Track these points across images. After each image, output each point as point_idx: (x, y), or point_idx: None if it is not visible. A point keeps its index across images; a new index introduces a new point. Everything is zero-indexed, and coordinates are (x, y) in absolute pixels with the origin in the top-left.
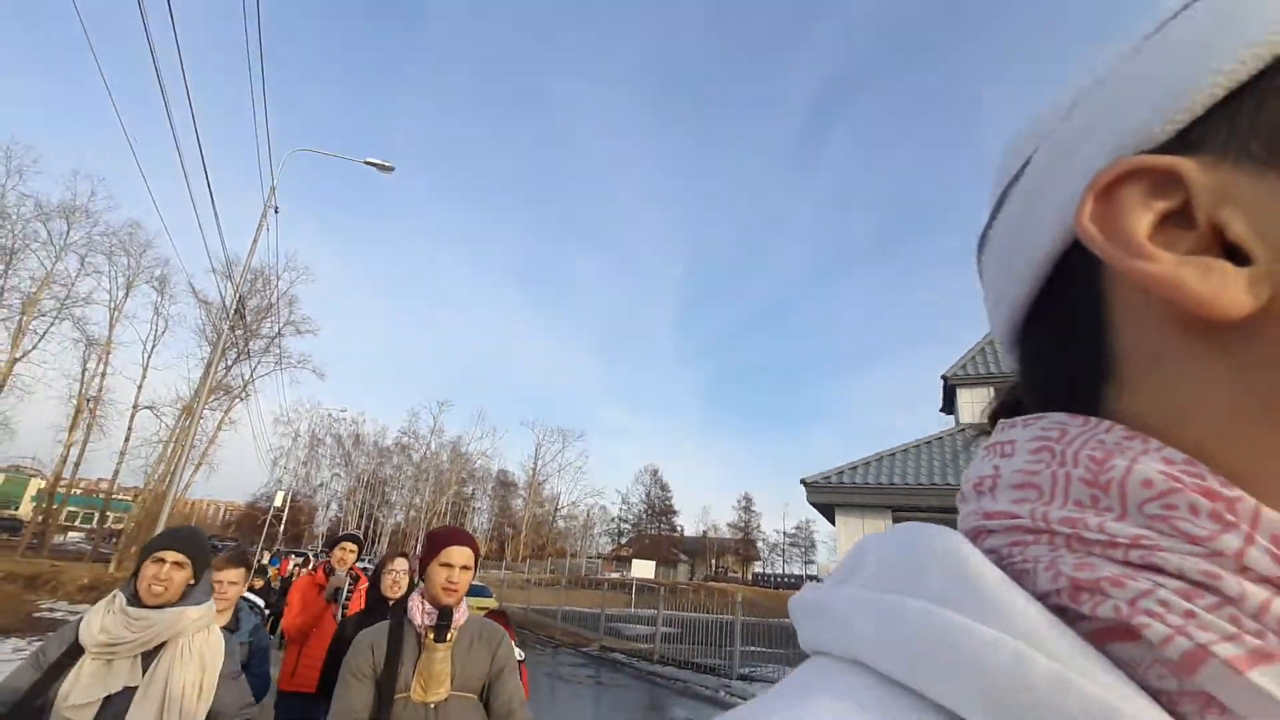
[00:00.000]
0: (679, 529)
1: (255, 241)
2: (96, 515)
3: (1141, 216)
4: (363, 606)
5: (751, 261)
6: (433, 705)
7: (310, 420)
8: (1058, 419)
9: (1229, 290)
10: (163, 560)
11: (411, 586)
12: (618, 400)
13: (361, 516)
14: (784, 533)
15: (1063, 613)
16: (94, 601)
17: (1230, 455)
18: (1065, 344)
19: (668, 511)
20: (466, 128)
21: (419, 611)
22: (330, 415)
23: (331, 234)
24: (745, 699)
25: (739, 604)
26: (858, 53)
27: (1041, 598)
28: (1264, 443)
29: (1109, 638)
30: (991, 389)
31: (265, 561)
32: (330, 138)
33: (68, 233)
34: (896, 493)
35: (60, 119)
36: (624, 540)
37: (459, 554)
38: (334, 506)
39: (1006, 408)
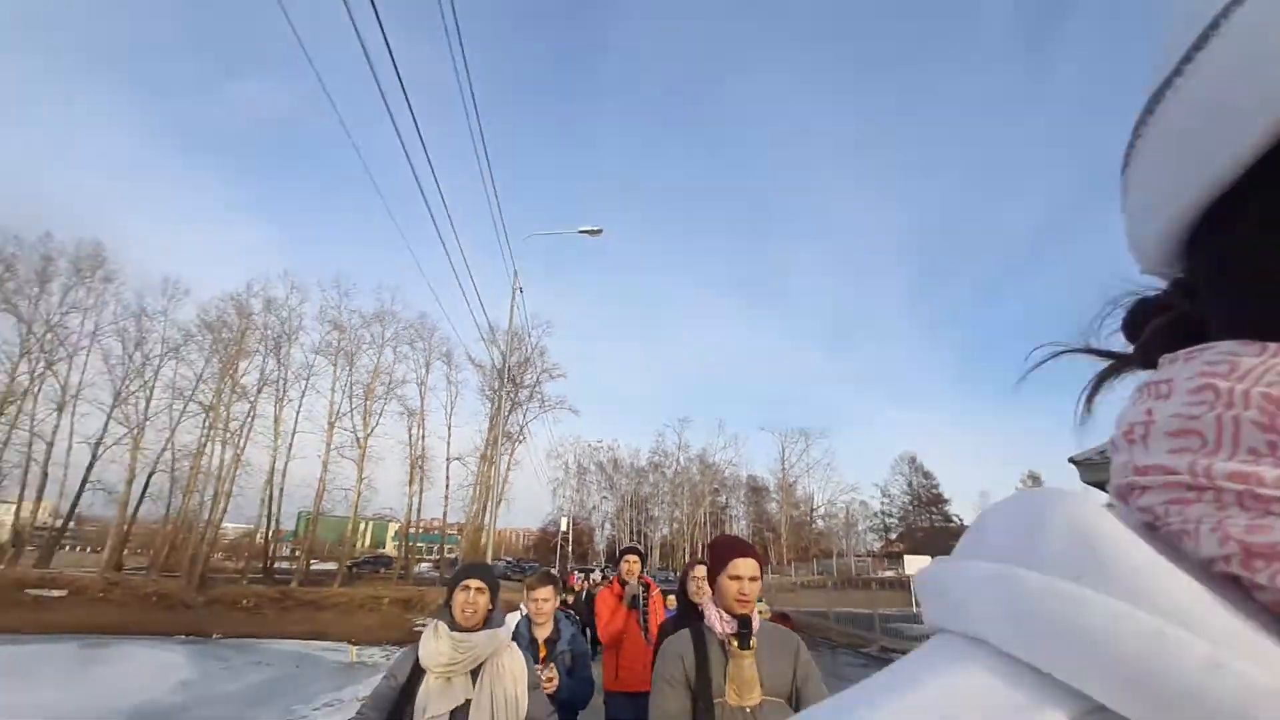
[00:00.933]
0: (954, 518)
1: (510, 318)
2: (436, 548)
3: None
4: (659, 608)
5: (990, 197)
6: (749, 709)
7: (575, 452)
8: (1227, 349)
9: None
10: (469, 588)
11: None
12: (860, 390)
13: (631, 533)
14: None
15: (1235, 582)
16: None
17: None
18: (1269, 243)
19: (937, 500)
20: (659, 148)
21: (718, 620)
22: (590, 446)
23: (566, 286)
24: None
25: None
26: None
27: (1206, 565)
28: None
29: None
30: None
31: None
32: (549, 205)
33: (383, 333)
34: None
35: (349, 247)
36: (894, 536)
37: (746, 565)
38: (607, 526)
39: (1164, 337)
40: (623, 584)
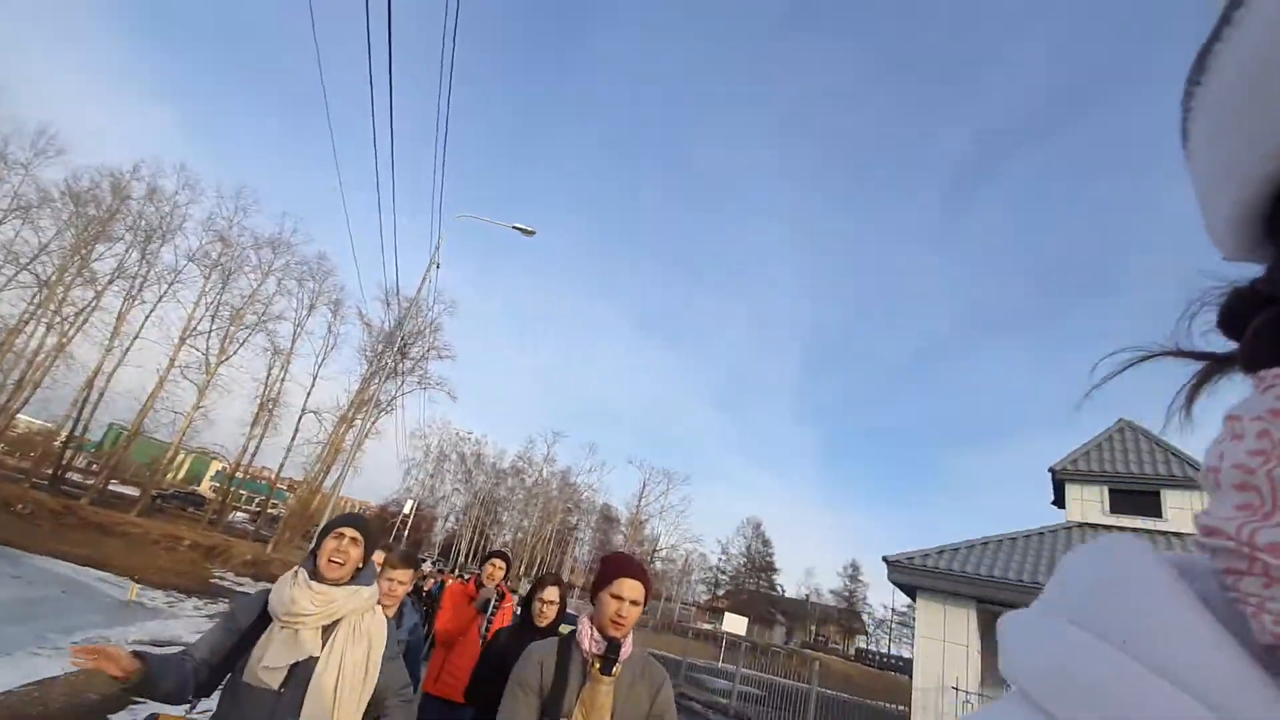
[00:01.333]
0: (779, 588)
1: (421, 285)
2: (257, 500)
3: None
4: (508, 622)
5: (881, 324)
6: None
7: (440, 437)
8: None
9: None
10: (342, 535)
11: (560, 616)
12: (728, 449)
13: (474, 532)
14: (893, 609)
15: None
16: (254, 576)
17: None
18: None
19: (768, 568)
20: (606, 176)
21: (588, 637)
22: (458, 434)
23: (478, 273)
24: None
25: (815, 672)
26: (1010, 114)
27: (1266, 649)
28: None
29: None
30: (1105, 488)
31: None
32: (485, 191)
33: (273, 260)
34: (985, 584)
35: (268, 166)
36: (721, 592)
37: (631, 588)
38: (451, 519)
39: (1272, 337)
40: (478, 586)
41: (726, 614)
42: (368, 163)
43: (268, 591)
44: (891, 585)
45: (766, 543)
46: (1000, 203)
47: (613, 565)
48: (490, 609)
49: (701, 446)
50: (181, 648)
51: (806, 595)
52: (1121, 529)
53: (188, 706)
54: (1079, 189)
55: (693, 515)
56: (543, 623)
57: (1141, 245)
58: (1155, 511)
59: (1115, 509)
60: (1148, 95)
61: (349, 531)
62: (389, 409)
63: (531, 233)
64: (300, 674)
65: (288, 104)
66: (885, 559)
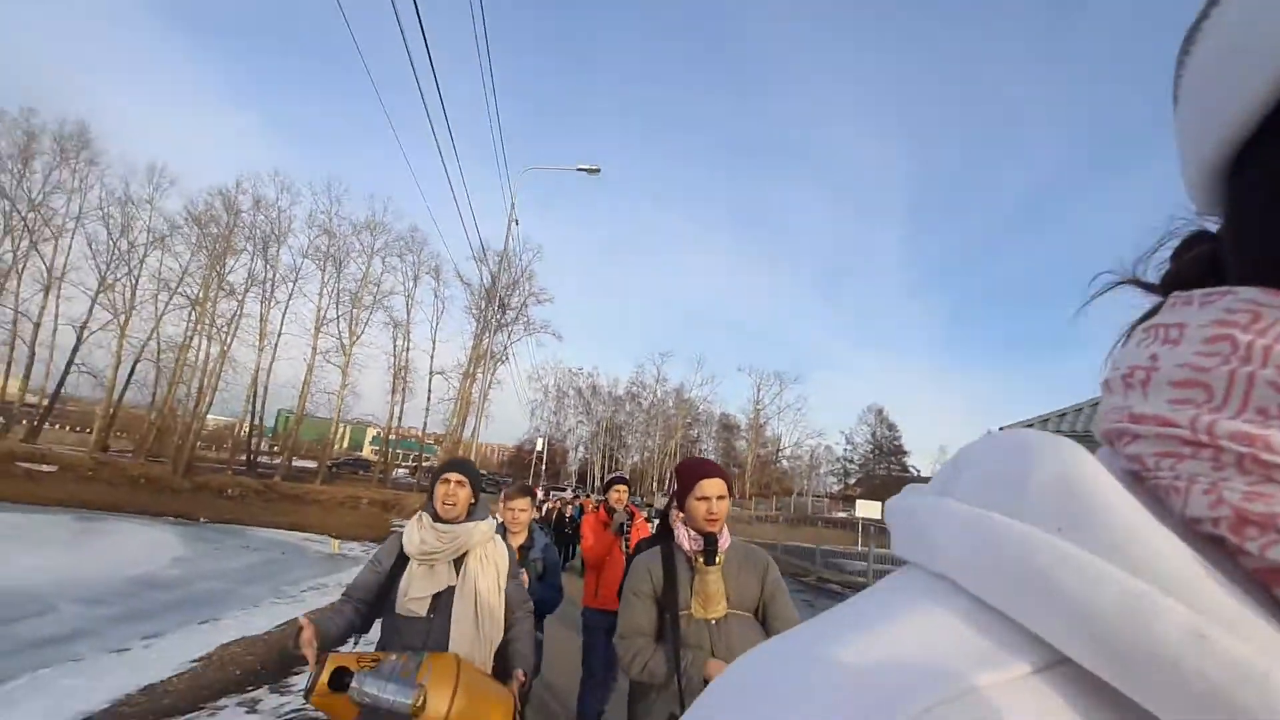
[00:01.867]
0: (912, 469)
1: (506, 241)
2: (413, 456)
3: None
4: (645, 535)
5: (988, 167)
6: (714, 621)
7: (555, 376)
8: (1249, 297)
9: None
10: (448, 480)
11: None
12: (841, 337)
13: (604, 457)
14: None
15: (1217, 546)
16: None
17: None
18: None
19: (897, 451)
20: (664, 73)
21: (686, 538)
22: (570, 371)
23: (560, 214)
24: None
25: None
26: None
27: (1190, 524)
28: None
29: (1277, 581)
30: None
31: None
32: (548, 134)
33: (373, 242)
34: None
35: (345, 151)
36: (852, 480)
37: (713, 485)
38: (580, 449)
39: (1192, 273)
40: (609, 511)
41: (859, 501)
42: (426, 126)
43: (400, 534)
44: None
45: (892, 427)
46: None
47: (689, 472)
48: (625, 529)
49: (811, 340)
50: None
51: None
52: None
53: (353, 642)
54: None
55: (812, 410)
56: (619, 505)
57: None
58: None
59: None
60: None
61: (454, 476)
62: (503, 359)
63: (596, 170)
64: (443, 601)
65: (338, 85)
66: (893, 451)
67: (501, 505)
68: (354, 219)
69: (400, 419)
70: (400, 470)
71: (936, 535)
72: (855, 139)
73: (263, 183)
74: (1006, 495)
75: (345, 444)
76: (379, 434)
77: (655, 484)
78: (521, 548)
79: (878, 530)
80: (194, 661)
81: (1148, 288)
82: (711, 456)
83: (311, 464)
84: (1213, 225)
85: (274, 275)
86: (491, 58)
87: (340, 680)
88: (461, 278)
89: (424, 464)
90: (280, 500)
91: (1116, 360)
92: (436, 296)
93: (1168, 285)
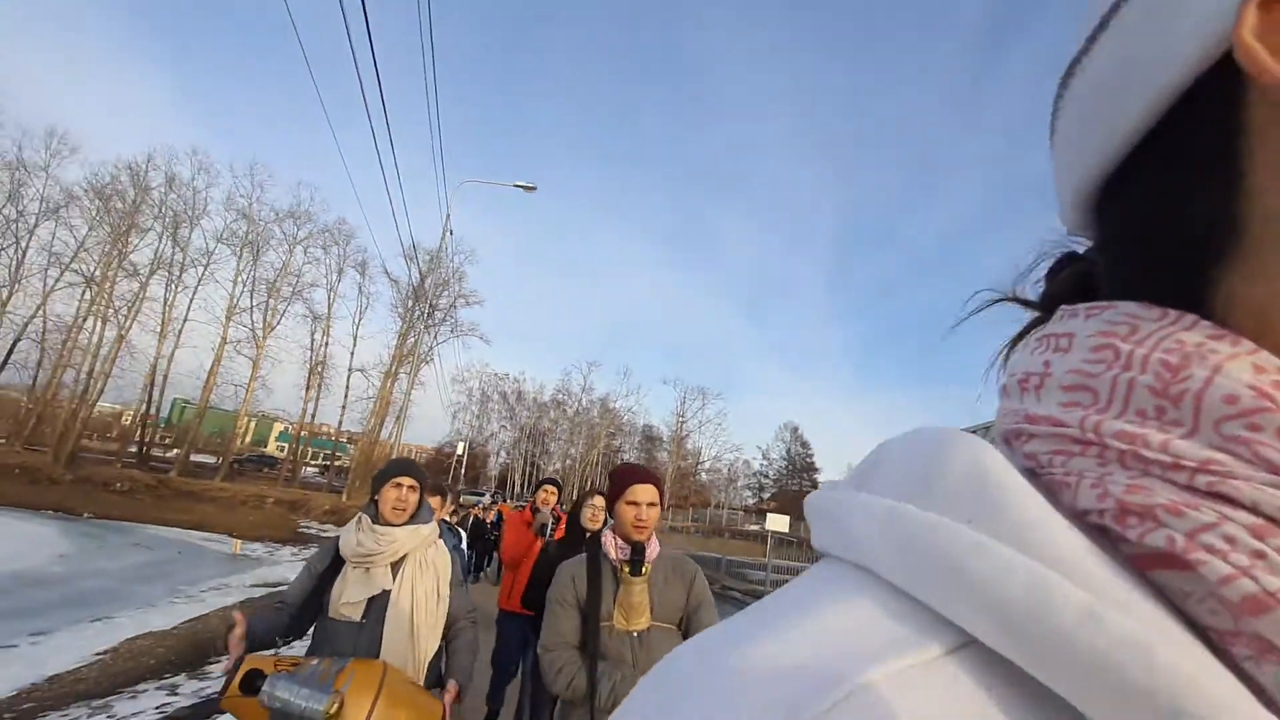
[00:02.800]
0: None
1: (441, 241)
2: (324, 455)
3: None
4: (563, 534)
5: (913, 204)
6: (636, 634)
7: (480, 379)
8: (1128, 311)
9: None
10: (401, 485)
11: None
12: (762, 356)
13: (526, 464)
14: None
15: (1102, 534)
16: (336, 523)
17: None
18: (1173, 206)
19: (809, 468)
20: (606, 92)
21: (613, 546)
22: (496, 375)
23: (494, 222)
24: None
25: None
26: None
27: (1079, 516)
28: None
29: (1153, 565)
30: None
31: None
32: (491, 141)
33: (297, 231)
34: None
35: (270, 136)
36: (767, 495)
37: (644, 491)
38: (502, 454)
39: (1068, 290)
40: (534, 512)
41: (769, 515)
42: (364, 121)
43: (337, 538)
44: None
45: (805, 444)
46: (1039, 56)
47: (623, 476)
48: (549, 531)
49: (735, 357)
50: (285, 584)
51: None
52: None
53: (274, 649)
54: None
55: (732, 425)
56: (594, 526)
57: None
58: None
59: None
60: None
61: (406, 480)
62: (427, 360)
63: (532, 189)
64: (377, 606)
65: (277, 70)
66: (805, 468)
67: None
68: (277, 206)
69: (314, 416)
70: (309, 469)
71: (854, 527)
72: (790, 170)
73: (178, 160)
74: (920, 488)
75: (248, 439)
76: (286, 430)
77: (575, 492)
78: None
79: (782, 543)
80: (99, 654)
81: (1026, 304)
82: None
83: (211, 459)
84: (1080, 246)
85: (184, 258)
86: (435, 54)
87: (252, 683)
88: (389, 274)
89: (335, 463)
90: (175, 497)
91: (1012, 367)
92: (361, 292)
93: (1048, 302)
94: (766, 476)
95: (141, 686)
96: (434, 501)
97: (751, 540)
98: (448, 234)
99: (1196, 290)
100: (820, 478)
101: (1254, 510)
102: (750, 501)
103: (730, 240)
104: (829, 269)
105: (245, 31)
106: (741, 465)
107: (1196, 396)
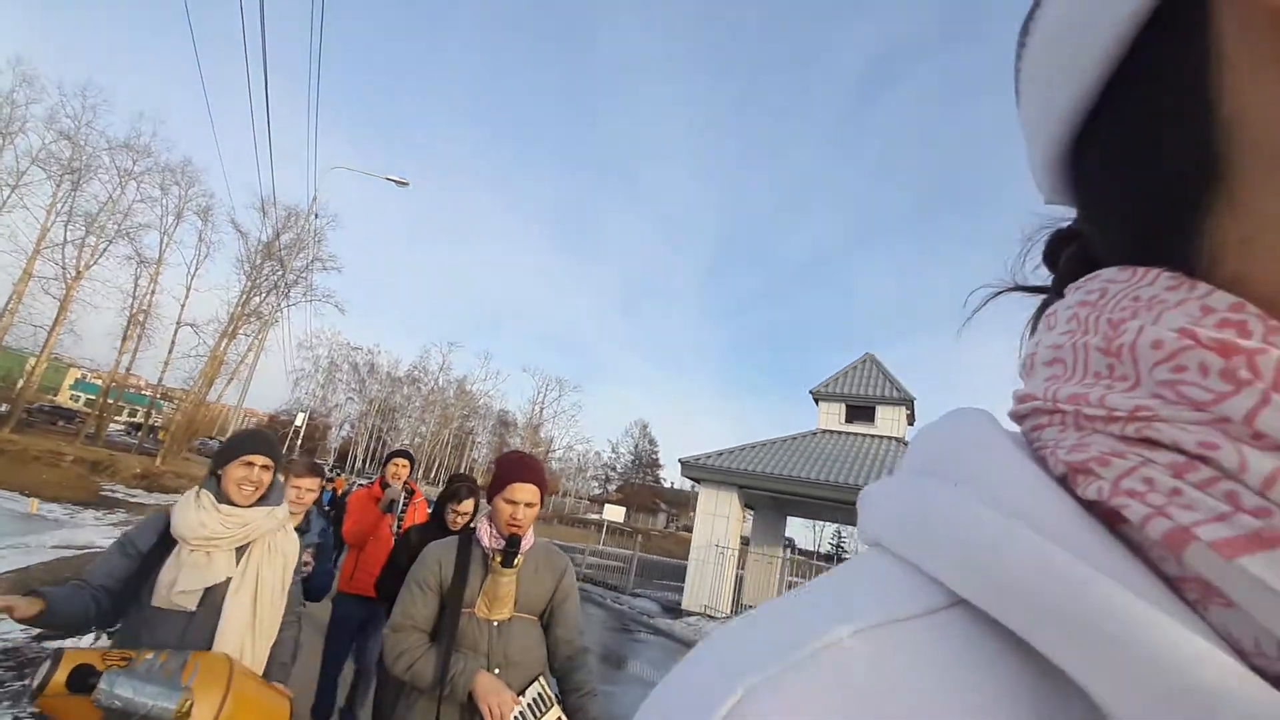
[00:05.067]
0: (666, 481)
1: (312, 206)
2: (140, 412)
3: None
4: (421, 519)
5: (780, 226)
6: (496, 623)
7: (330, 348)
8: (1106, 276)
9: None
10: (252, 464)
11: (471, 522)
12: (624, 350)
13: (371, 439)
14: None
15: (1070, 497)
16: (146, 488)
17: None
18: (1145, 148)
19: (653, 464)
20: (501, 67)
21: (487, 535)
22: (349, 345)
23: (364, 190)
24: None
25: (637, 543)
26: (912, 24)
27: (1060, 481)
28: None
29: (1113, 521)
30: (843, 405)
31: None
32: (367, 104)
33: (132, 166)
34: (743, 476)
35: (134, 65)
36: (613, 486)
37: (524, 491)
38: (346, 427)
39: (1074, 269)
40: (384, 486)
41: (606, 505)
42: (236, 62)
43: (164, 514)
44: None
45: (653, 442)
46: (908, 105)
47: (505, 470)
48: (399, 508)
49: (598, 348)
50: (91, 551)
51: (691, 486)
52: (851, 434)
53: (93, 638)
54: (979, 104)
55: (587, 417)
56: (455, 528)
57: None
58: (871, 419)
59: (850, 419)
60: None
61: (259, 459)
62: (274, 322)
63: (405, 184)
64: (214, 595)
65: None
66: (680, 460)
67: (285, 481)
68: (110, 135)
69: (129, 368)
70: (115, 426)
71: (873, 506)
72: (674, 176)
73: None
74: (925, 461)
75: (34, 386)
76: (84, 378)
77: (423, 470)
78: (296, 529)
79: (607, 530)
80: None
81: (1032, 290)
82: (485, 449)
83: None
84: (1066, 223)
85: None
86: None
87: (83, 681)
88: (237, 226)
89: (149, 421)
90: None
91: (1024, 352)
92: (202, 239)
93: (1058, 285)
94: (614, 469)
95: None
96: (313, 483)
97: (592, 529)
98: (312, 216)
99: (1178, 244)
100: (663, 474)
101: (1176, 449)
102: (596, 491)
103: (607, 236)
104: (698, 275)
105: None
106: (592, 456)
107: (1131, 348)
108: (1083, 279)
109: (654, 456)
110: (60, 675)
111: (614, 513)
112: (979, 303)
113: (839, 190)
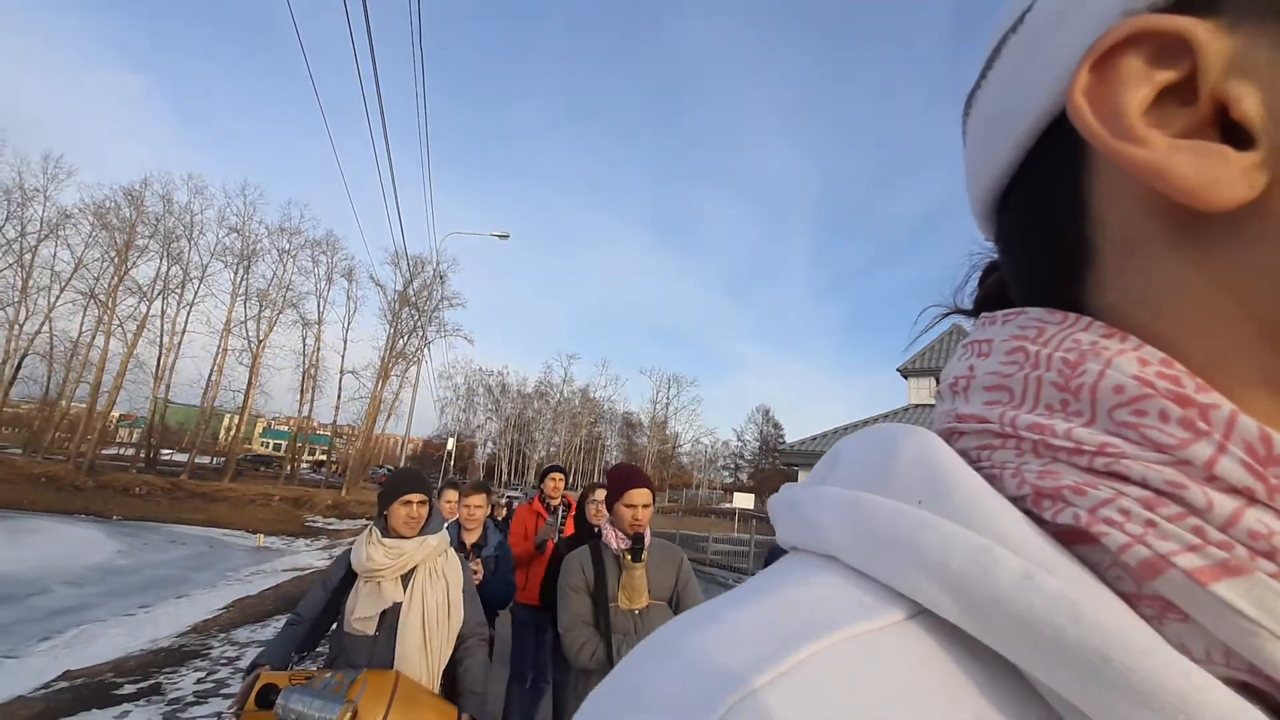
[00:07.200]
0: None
1: (435, 259)
2: (320, 450)
3: (1137, 90)
4: (573, 531)
5: (880, 197)
6: (637, 611)
7: (466, 375)
8: (1036, 316)
9: (1224, 178)
10: (411, 502)
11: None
12: (738, 341)
13: (512, 452)
14: None
15: (1028, 516)
16: (338, 516)
17: (1208, 353)
18: (1042, 226)
19: (781, 448)
20: (588, 79)
21: (613, 537)
22: (482, 370)
23: (478, 209)
24: None
25: (753, 529)
26: None
27: (1010, 500)
28: (1242, 340)
29: (1071, 541)
30: (934, 379)
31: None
32: (472, 137)
33: (288, 245)
34: None
35: (263, 152)
36: (743, 474)
37: (639, 495)
38: (489, 444)
39: (989, 298)
40: (543, 500)
41: (736, 494)
42: (359, 141)
43: (348, 551)
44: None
45: (777, 425)
46: None
47: (620, 480)
48: (561, 519)
49: (710, 342)
50: (313, 571)
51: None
52: None
53: (294, 660)
54: None
55: (709, 409)
56: (600, 520)
57: None
58: None
59: None
60: None
61: (415, 497)
62: (416, 360)
63: (505, 236)
64: (389, 619)
65: (272, 88)
66: (777, 449)
67: (458, 503)
68: (268, 223)
69: (310, 416)
70: (303, 466)
71: (821, 519)
72: (769, 158)
73: (174, 182)
74: (876, 478)
75: (238, 438)
76: (270, 426)
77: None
78: (474, 545)
79: (751, 519)
80: (220, 609)
81: (965, 314)
82: (615, 451)
83: (206, 459)
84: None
85: (183, 275)
86: (425, 62)
87: (266, 697)
88: (375, 279)
89: (329, 459)
90: (189, 498)
91: (945, 373)
92: (349, 297)
93: (978, 308)
94: (742, 457)
95: (269, 622)
96: (481, 499)
97: (720, 518)
98: (435, 250)
99: (1081, 298)
100: None
101: (1144, 485)
102: (729, 480)
103: (708, 227)
104: (803, 255)
105: (246, 67)
106: (720, 446)
107: (1091, 389)
108: (1009, 311)
109: (780, 440)
110: (253, 694)
111: (744, 500)
112: (930, 321)
113: (947, 136)
